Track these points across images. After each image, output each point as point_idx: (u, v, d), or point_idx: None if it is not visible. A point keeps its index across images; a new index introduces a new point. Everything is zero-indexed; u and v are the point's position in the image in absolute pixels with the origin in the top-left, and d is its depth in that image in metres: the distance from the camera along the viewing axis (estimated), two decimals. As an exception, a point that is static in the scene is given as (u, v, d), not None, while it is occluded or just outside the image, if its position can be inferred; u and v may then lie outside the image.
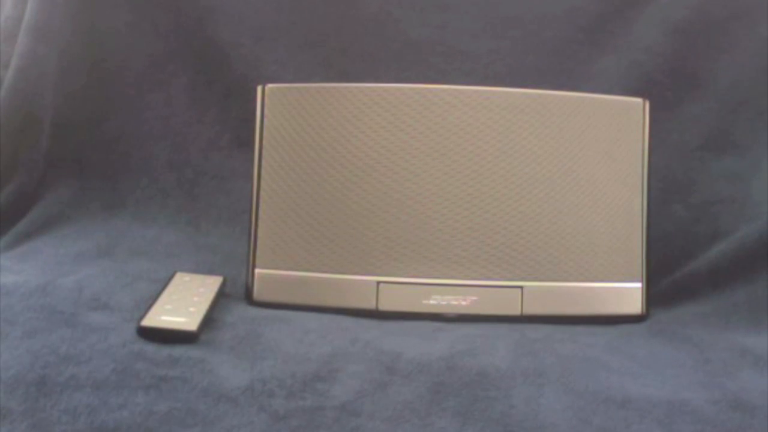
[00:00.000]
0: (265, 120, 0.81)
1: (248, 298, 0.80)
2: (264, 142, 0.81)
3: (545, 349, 0.71)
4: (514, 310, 0.79)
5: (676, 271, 0.89)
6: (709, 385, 0.65)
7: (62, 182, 1.01)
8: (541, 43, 1.05)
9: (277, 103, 0.81)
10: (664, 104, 0.98)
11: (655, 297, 0.84)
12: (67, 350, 0.62)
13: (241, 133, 1.01)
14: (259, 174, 0.80)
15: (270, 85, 0.82)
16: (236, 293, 0.81)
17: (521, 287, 0.80)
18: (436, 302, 0.79)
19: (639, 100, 0.83)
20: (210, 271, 0.83)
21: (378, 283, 0.79)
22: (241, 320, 0.73)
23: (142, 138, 1.04)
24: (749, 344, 0.74)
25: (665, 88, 1.01)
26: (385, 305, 0.79)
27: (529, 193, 0.80)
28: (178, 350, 0.64)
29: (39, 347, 0.62)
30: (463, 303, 0.79)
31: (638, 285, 0.81)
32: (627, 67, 1.02)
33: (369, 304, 0.79)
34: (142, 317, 0.68)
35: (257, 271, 0.80)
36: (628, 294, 0.81)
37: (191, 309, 0.71)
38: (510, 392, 0.62)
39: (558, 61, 1.04)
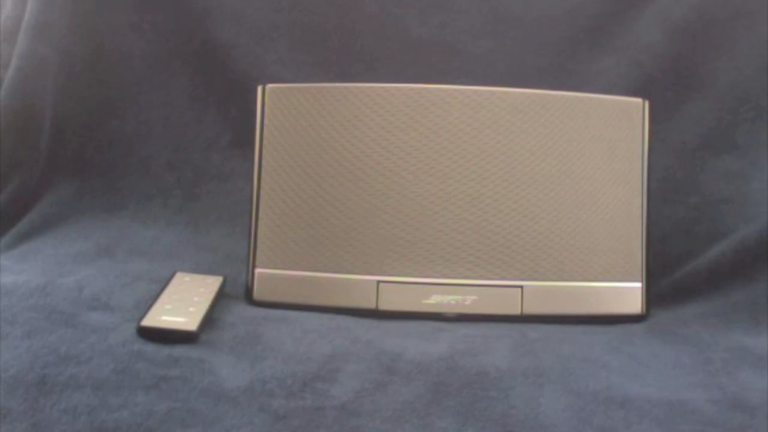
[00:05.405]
0: (265, 120, 0.81)
1: (248, 298, 0.80)
2: (264, 142, 0.81)
3: (545, 349, 0.71)
4: (514, 310, 0.79)
5: (676, 271, 0.89)
6: (709, 385, 0.65)
7: (62, 182, 1.01)
8: (541, 43, 1.05)
9: (277, 103, 0.81)
10: (664, 104, 0.98)
11: (655, 297, 0.84)
12: (67, 350, 0.62)
13: (241, 133, 1.01)
14: (259, 174, 0.81)
15: (270, 85, 0.82)
16: (236, 293, 0.81)
17: (521, 287, 0.80)
18: (436, 302, 0.79)
19: (639, 100, 0.83)
20: (210, 271, 0.83)
21: (378, 282, 0.79)
22: (241, 320, 0.73)
23: (142, 138, 1.04)
24: (749, 344, 0.74)
25: (665, 88, 1.01)
26: (385, 305, 0.79)
27: (529, 193, 0.80)
28: (178, 350, 0.64)
29: (39, 347, 0.62)
30: (463, 303, 0.79)
31: (638, 285, 0.81)
32: (627, 67, 1.02)
33: (369, 303, 0.79)
34: (142, 317, 0.68)
35: (257, 270, 0.80)
36: (628, 294, 0.81)
37: (191, 309, 0.71)
38: (510, 392, 0.62)
39: (558, 61, 1.04)
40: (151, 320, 0.68)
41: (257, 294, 0.79)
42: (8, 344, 0.62)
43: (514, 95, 0.81)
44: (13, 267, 0.82)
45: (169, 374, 0.60)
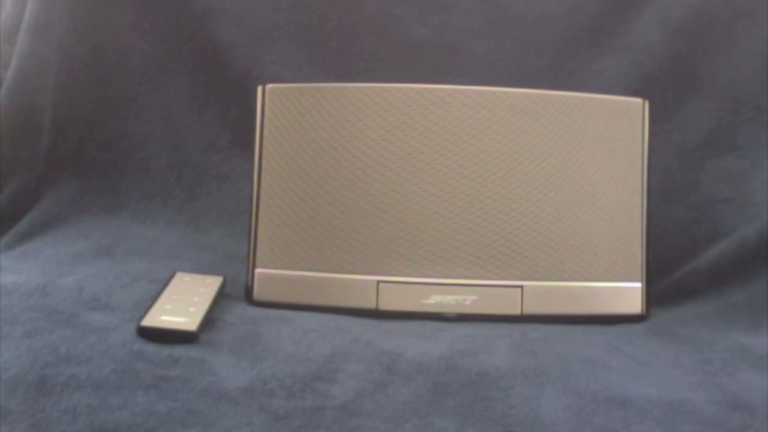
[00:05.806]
0: (265, 120, 0.81)
1: (248, 298, 0.80)
2: (264, 142, 0.81)
3: (545, 349, 0.71)
4: (514, 310, 0.79)
5: (676, 271, 0.89)
6: (709, 385, 0.65)
7: (62, 182, 1.01)
8: (541, 43, 1.05)
9: (277, 103, 0.81)
10: (664, 104, 0.98)
11: (655, 297, 0.84)
12: (67, 350, 0.62)
13: (241, 133, 1.01)
14: (259, 174, 0.81)
15: (270, 85, 0.82)
16: (236, 293, 0.81)
17: (521, 287, 0.80)
18: (436, 302, 0.79)
19: (639, 100, 0.83)
20: (210, 271, 0.83)
21: (378, 282, 0.79)
22: (241, 320, 0.73)
23: (142, 138, 1.04)
24: (749, 344, 0.74)
25: (665, 88, 1.01)
26: (385, 305, 0.79)
27: (529, 193, 0.80)
28: (178, 350, 0.64)
29: (39, 347, 0.62)
30: (463, 303, 0.79)
31: (638, 285, 0.81)
32: (627, 67, 1.02)
33: (369, 303, 0.79)
34: (142, 317, 0.68)
35: (257, 270, 0.80)
36: (628, 294, 0.81)
37: (191, 309, 0.71)
38: (510, 392, 0.62)
39: (558, 61, 1.04)
40: (151, 320, 0.68)
41: (257, 294, 0.79)
42: (8, 344, 0.62)
43: (514, 95, 0.81)
44: (13, 267, 0.82)
45: (169, 374, 0.60)
